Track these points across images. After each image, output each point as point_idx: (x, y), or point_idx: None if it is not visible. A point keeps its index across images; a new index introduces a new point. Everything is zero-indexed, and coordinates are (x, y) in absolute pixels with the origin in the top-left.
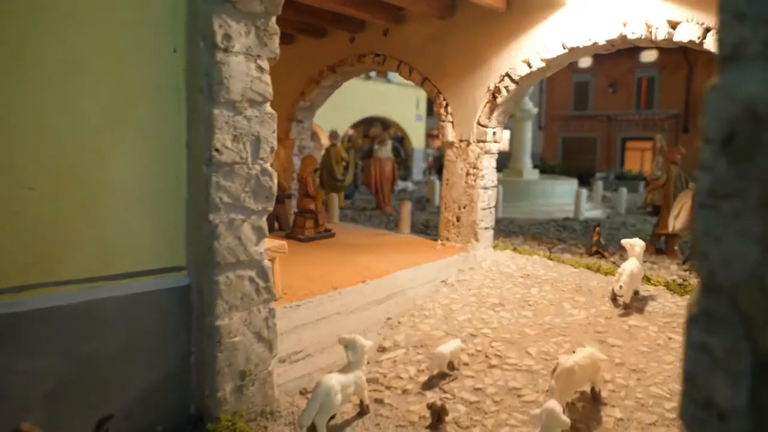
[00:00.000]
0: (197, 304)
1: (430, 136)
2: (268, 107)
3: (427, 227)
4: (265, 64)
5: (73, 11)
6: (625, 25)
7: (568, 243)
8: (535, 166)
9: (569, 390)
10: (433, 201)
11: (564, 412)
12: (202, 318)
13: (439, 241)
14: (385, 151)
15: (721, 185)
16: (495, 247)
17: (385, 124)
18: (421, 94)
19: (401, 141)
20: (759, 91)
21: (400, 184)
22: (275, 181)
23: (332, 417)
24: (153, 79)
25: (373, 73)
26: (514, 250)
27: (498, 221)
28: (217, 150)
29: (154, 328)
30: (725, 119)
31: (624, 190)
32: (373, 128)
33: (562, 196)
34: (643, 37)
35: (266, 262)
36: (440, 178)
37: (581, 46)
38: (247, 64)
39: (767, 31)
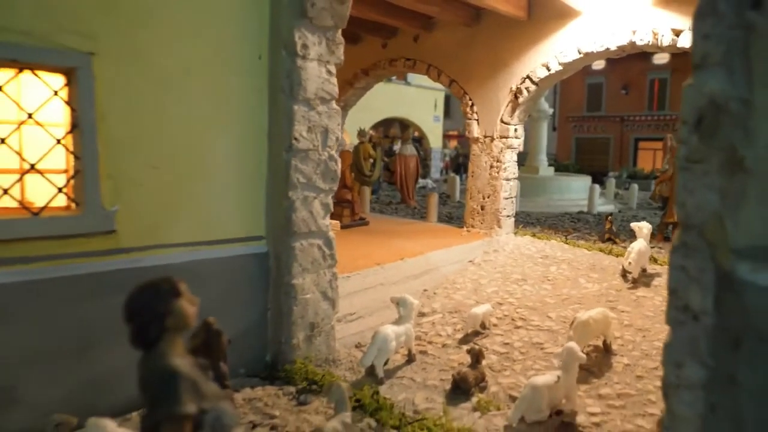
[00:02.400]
0: (275, 268)
1: (447, 136)
2: (334, 104)
3: (451, 218)
4: (333, 69)
5: (185, 28)
6: (634, 32)
7: (582, 232)
8: (549, 165)
9: (585, 339)
10: (453, 196)
11: None
12: (280, 278)
13: (465, 228)
14: (410, 149)
15: (694, 153)
16: (516, 233)
17: (404, 124)
18: (439, 96)
19: (420, 141)
20: (718, 88)
21: (420, 182)
22: (339, 166)
23: (386, 362)
24: (243, 81)
25: (393, 76)
26: (533, 235)
27: (515, 214)
28: (295, 138)
29: (240, 287)
30: (696, 107)
31: (635, 186)
32: (392, 129)
33: (576, 191)
34: (650, 43)
35: (331, 234)
36: (460, 176)
37: (595, 51)
38: (319, 68)
39: (724, 47)
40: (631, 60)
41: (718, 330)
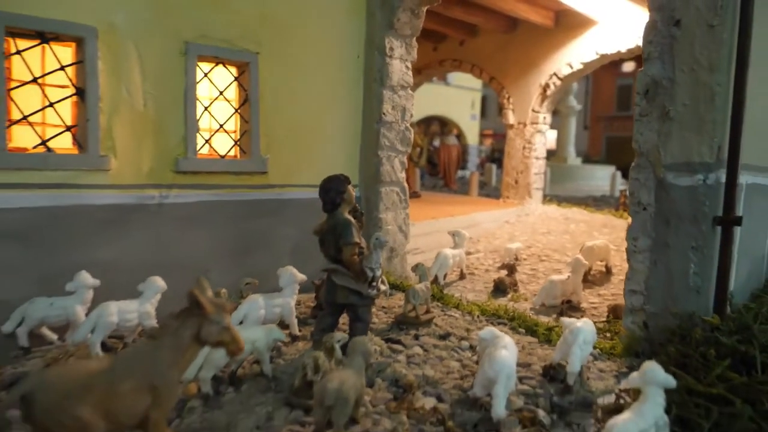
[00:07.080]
0: (365, 207)
1: (482, 135)
2: (410, 90)
3: (488, 196)
4: (409, 65)
5: (312, 36)
6: (640, 38)
7: (601, 207)
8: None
9: (590, 259)
10: (490, 183)
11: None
12: (370, 213)
13: (502, 199)
14: (452, 139)
15: (643, 111)
16: (543, 203)
17: (443, 122)
18: (476, 96)
19: (458, 137)
20: (656, 72)
21: (459, 173)
22: (413, 135)
23: (445, 276)
24: (347, 73)
25: (435, 77)
26: (558, 204)
27: (544, 197)
28: (384, 114)
29: None
30: (644, 83)
31: None
32: (432, 126)
33: (601, 179)
34: None
35: (405, 184)
36: (498, 165)
37: (609, 53)
38: (400, 65)
39: (659, 48)
40: None
41: (657, 215)
